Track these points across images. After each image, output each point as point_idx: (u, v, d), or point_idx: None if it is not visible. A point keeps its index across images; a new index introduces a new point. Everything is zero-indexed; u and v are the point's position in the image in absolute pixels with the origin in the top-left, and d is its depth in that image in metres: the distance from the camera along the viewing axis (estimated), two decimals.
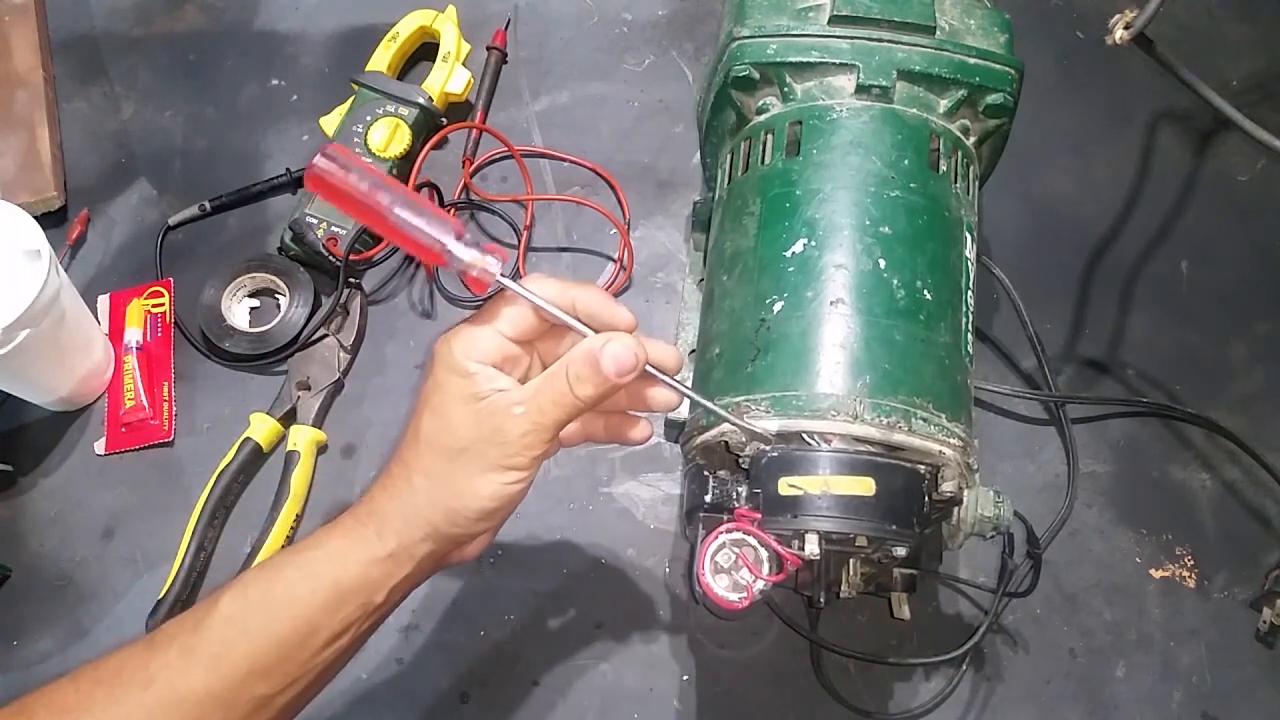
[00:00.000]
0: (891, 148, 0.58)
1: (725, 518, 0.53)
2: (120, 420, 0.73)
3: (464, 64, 0.83)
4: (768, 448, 0.53)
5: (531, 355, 0.50)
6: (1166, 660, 0.68)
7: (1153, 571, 0.71)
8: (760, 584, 0.51)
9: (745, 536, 0.51)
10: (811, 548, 0.51)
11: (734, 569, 0.51)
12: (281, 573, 0.47)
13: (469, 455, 0.46)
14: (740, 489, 0.53)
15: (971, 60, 0.60)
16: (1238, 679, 0.68)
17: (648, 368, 0.47)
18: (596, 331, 0.47)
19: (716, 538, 0.52)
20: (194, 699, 0.45)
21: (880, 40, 0.60)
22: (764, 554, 0.51)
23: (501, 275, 0.46)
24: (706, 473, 0.55)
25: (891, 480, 0.51)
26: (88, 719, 0.45)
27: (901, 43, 0.60)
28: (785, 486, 0.51)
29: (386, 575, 0.48)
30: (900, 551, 0.52)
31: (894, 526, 0.51)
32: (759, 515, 0.52)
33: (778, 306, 0.55)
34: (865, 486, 0.50)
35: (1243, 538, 0.72)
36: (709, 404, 0.51)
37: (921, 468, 0.52)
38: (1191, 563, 0.71)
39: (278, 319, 0.75)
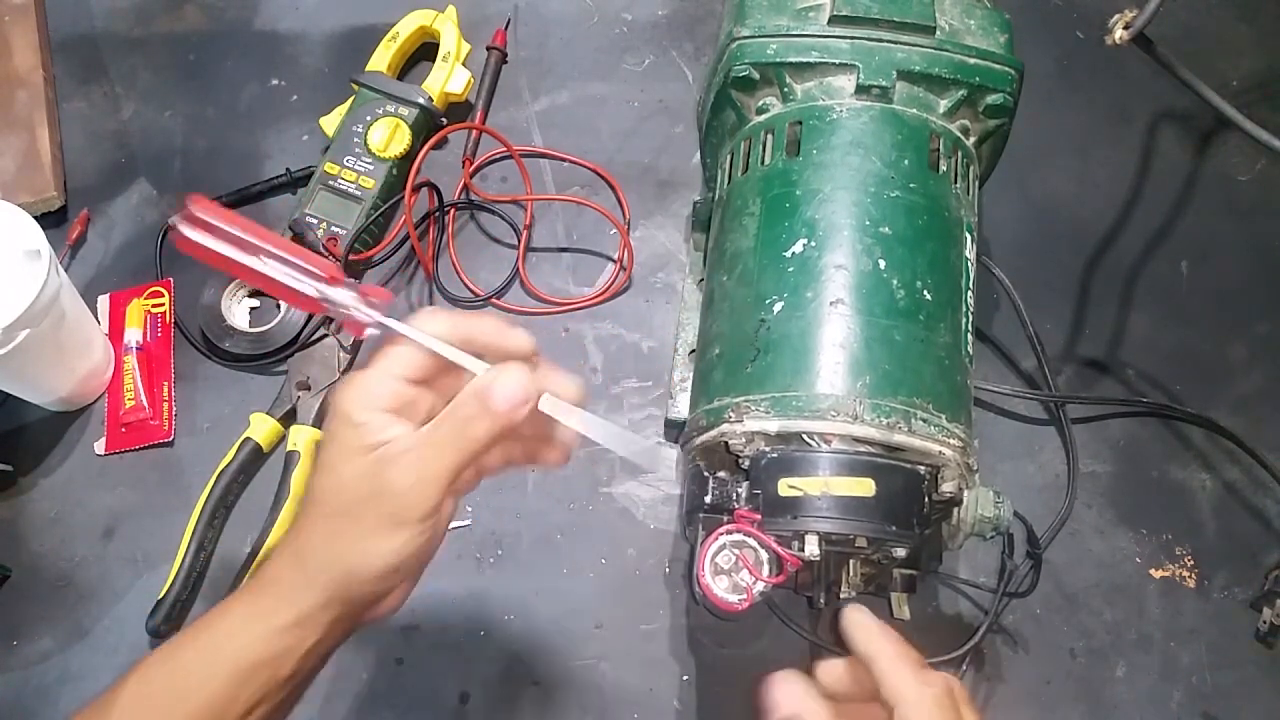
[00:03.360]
0: (891, 148, 0.58)
1: (725, 519, 0.53)
2: (120, 420, 0.73)
3: (464, 64, 0.83)
4: (768, 448, 0.53)
5: (433, 396, 0.46)
6: (1166, 660, 0.68)
7: (1153, 571, 0.71)
8: (760, 585, 0.51)
9: (745, 538, 0.51)
10: (811, 549, 0.51)
11: (734, 570, 0.51)
12: (181, 655, 0.45)
13: (359, 513, 0.43)
14: (740, 490, 0.54)
15: (971, 60, 0.60)
16: (1238, 679, 0.68)
17: (546, 401, 0.45)
18: (492, 364, 0.45)
19: (716, 539, 0.52)
20: None
21: (880, 40, 0.60)
22: (764, 555, 0.51)
23: (380, 316, 0.44)
24: (706, 473, 0.55)
25: (891, 481, 0.51)
26: None
27: (901, 43, 0.60)
28: (785, 487, 0.51)
29: (290, 646, 0.44)
30: (900, 552, 0.52)
31: (894, 527, 0.51)
32: (759, 516, 0.52)
33: (778, 307, 0.55)
34: (865, 487, 0.50)
35: (1243, 538, 0.72)
36: (607, 435, 0.48)
37: (921, 468, 0.52)
38: (1191, 563, 0.71)
39: (278, 319, 0.75)
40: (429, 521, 0.44)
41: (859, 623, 0.48)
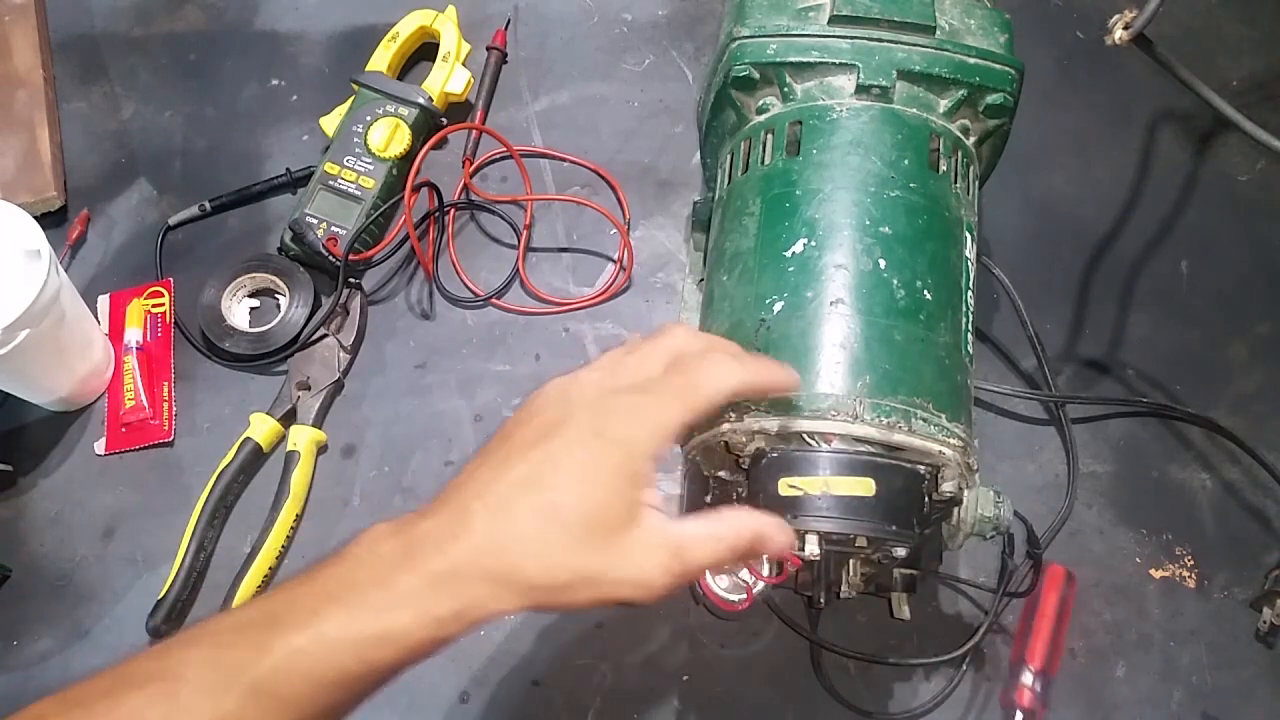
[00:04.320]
0: (891, 148, 0.58)
1: None
2: (120, 420, 0.73)
3: (464, 64, 0.83)
4: (767, 448, 0.52)
5: None
6: (1166, 660, 0.68)
7: (1153, 571, 0.71)
8: (760, 585, 0.51)
9: None
10: (811, 548, 0.51)
11: (734, 570, 0.51)
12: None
13: (608, 540, 0.41)
14: (740, 489, 0.53)
15: (971, 60, 0.60)
16: (1238, 679, 0.68)
17: None
18: None
19: None
20: None
21: (880, 40, 0.60)
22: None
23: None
24: (706, 473, 0.55)
25: (891, 480, 0.51)
26: None
27: (901, 43, 0.60)
28: (785, 487, 0.51)
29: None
30: (900, 552, 0.52)
31: (894, 527, 0.51)
32: None
33: (778, 307, 0.55)
34: (865, 487, 0.50)
35: (1243, 538, 0.72)
36: None
37: (921, 468, 0.52)
38: (1191, 563, 0.71)
39: (278, 319, 0.75)
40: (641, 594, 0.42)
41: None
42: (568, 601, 0.41)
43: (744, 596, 0.51)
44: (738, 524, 0.44)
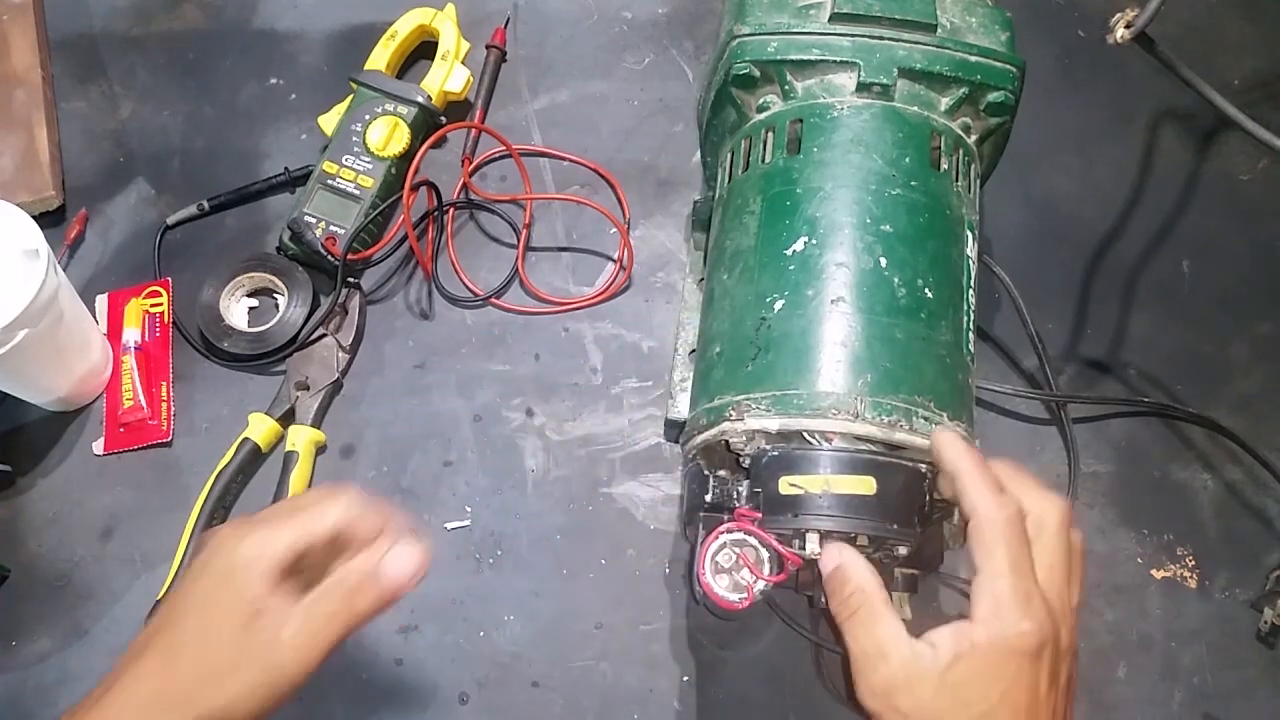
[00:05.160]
0: (892, 146, 0.58)
1: (725, 517, 0.53)
2: (119, 420, 0.72)
3: (463, 62, 0.83)
4: (768, 446, 0.52)
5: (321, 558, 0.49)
6: (1167, 660, 0.68)
7: (1154, 572, 0.70)
8: (761, 584, 0.51)
9: (746, 536, 0.51)
10: (812, 547, 0.51)
11: (734, 569, 0.51)
12: None
13: (236, 671, 0.45)
14: (740, 488, 0.53)
15: (973, 58, 0.60)
16: (1239, 679, 0.68)
17: None
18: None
19: (717, 538, 0.51)
20: None
21: (881, 38, 0.60)
22: (765, 554, 0.51)
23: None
24: (706, 472, 0.55)
25: (892, 479, 0.51)
26: None
27: (902, 40, 0.60)
28: (786, 485, 0.51)
29: None
30: (901, 550, 0.52)
31: (895, 526, 0.51)
32: (759, 515, 0.52)
33: (778, 305, 0.54)
34: (866, 485, 0.50)
35: (1244, 538, 0.72)
36: None
37: (923, 466, 0.52)
38: (1193, 563, 0.71)
39: (276, 319, 0.75)
40: (302, 681, 0.46)
41: (945, 439, 0.49)
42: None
43: (744, 595, 0.51)
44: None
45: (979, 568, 0.46)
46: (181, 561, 0.67)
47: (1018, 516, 0.47)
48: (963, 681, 0.44)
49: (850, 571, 0.48)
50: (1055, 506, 0.48)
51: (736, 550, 0.51)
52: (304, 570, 0.48)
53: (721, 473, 0.55)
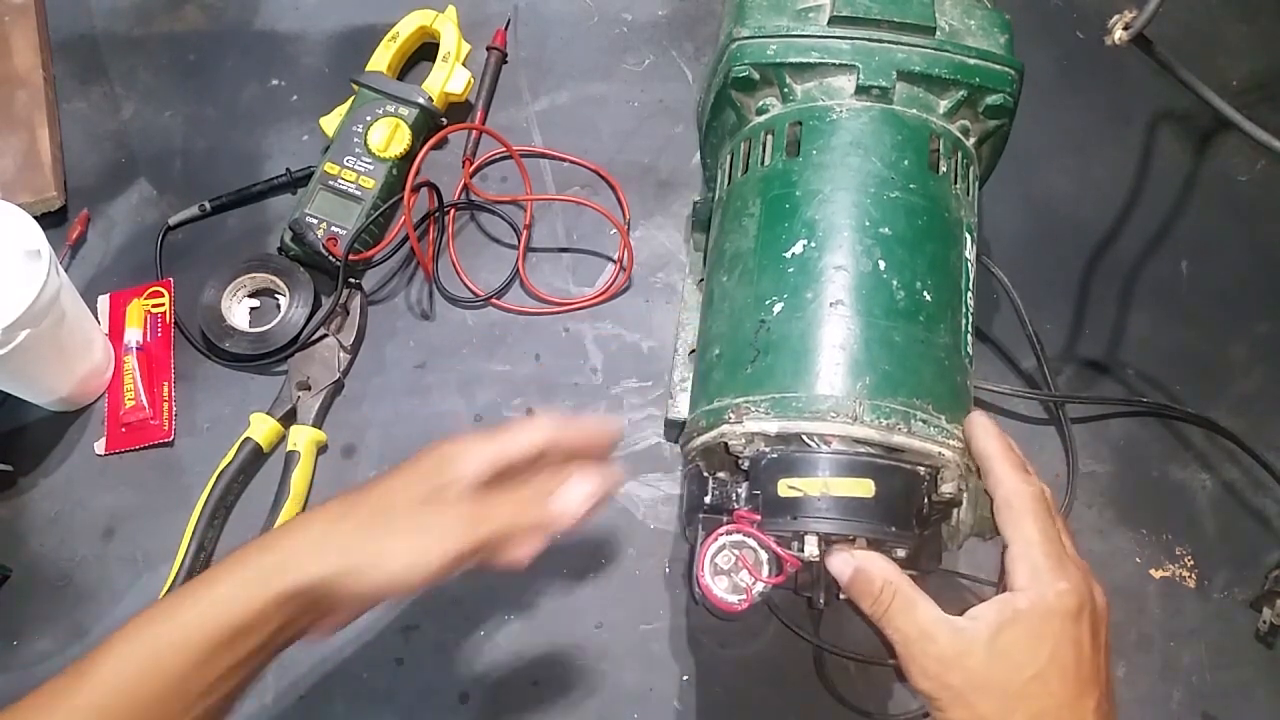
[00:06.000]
0: (891, 148, 0.58)
1: (725, 519, 0.53)
2: (120, 420, 0.73)
3: (464, 64, 0.83)
4: (767, 449, 0.52)
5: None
6: (1166, 660, 0.68)
7: (1153, 571, 0.71)
8: (760, 586, 0.51)
9: (745, 538, 0.51)
10: (811, 549, 0.51)
11: (734, 571, 0.51)
12: (159, 624, 0.47)
13: (403, 521, 0.50)
14: (739, 490, 0.53)
15: (971, 61, 0.60)
16: (1237, 679, 0.68)
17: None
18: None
19: (716, 539, 0.52)
20: None
21: (880, 41, 0.60)
22: (764, 556, 0.51)
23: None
24: (706, 474, 0.55)
25: (891, 482, 0.51)
26: None
27: (901, 43, 0.60)
28: (784, 488, 0.51)
29: (258, 626, 0.47)
30: (900, 553, 0.52)
31: (893, 528, 0.51)
32: (758, 517, 0.52)
33: (777, 308, 0.55)
34: (865, 488, 0.50)
35: (1243, 537, 0.72)
36: None
37: (921, 469, 0.52)
38: (1191, 563, 0.71)
39: (278, 319, 0.75)
40: (428, 580, 0.49)
41: (978, 423, 0.52)
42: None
43: (743, 597, 0.51)
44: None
45: (1010, 540, 0.48)
46: (182, 562, 0.67)
47: (1041, 493, 0.49)
48: (1010, 648, 0.46)
49: (872, 570, 0.49)
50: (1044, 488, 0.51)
51: (735, 552, 0.52)
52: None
53: (721, 474, 0.56)
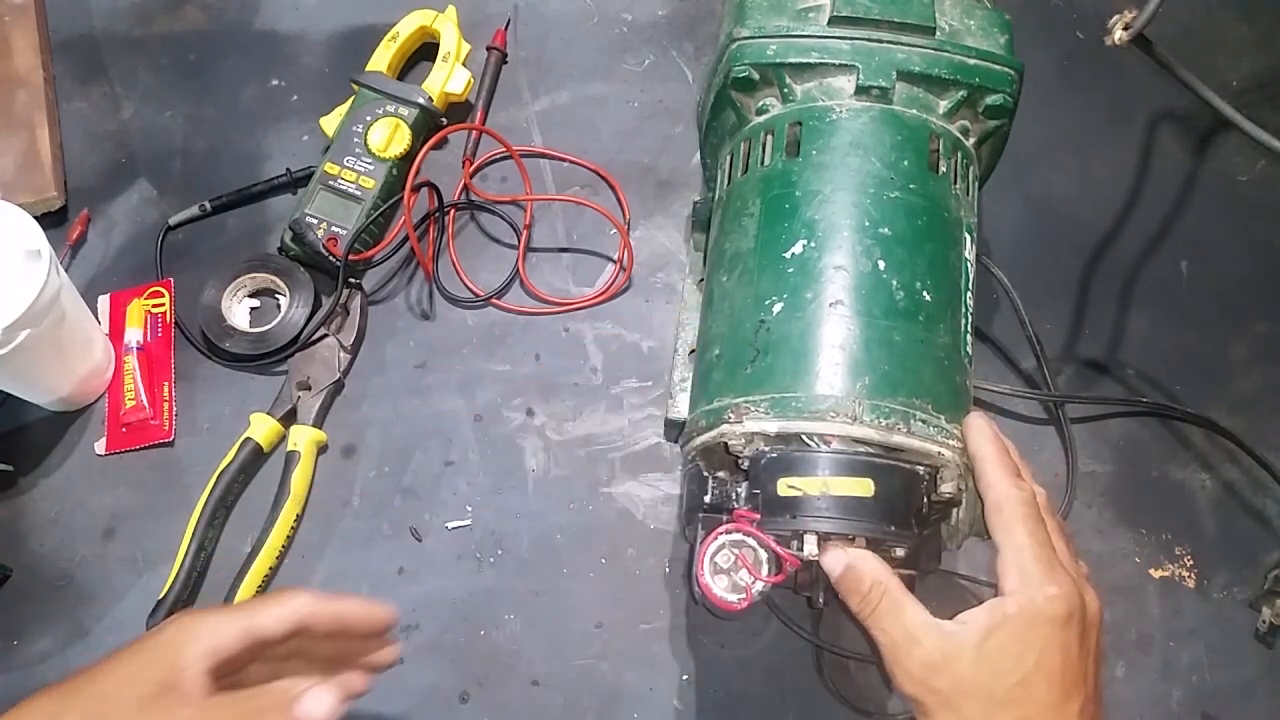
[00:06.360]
0: (891, 149, 0.58)
1: (724, 518, 0.53)
2: (120, 420, 0.73)
3: (464, 64, 0.83)
4: (767, 449, 0.53)
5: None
6: (1166, 660, 0.68)
7: (1152, 571, 0.71)
8: (759, 585, 0.51)
9: (744, 537, 0.52)
10: (810, 548, 0.51)
11: (733, 570, 0.51)
12: None
13: None
14: (739, 490, 0.54)
15: (971, 61, 0.60)
16: (1237, 679, 0.68)
17: None
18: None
19: (715, 539, 0.52)
20: None
21: (880, 41, 0.60)
22: (763, 555, 0.51)
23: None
24: (705, 474, 0.55)
25: (890, 481, 0.51)
26: None
27: (901, 43, 0.60)
28: (784, 487, 0.51)
29: None
30: (899, 552, 0.52)
31: (893, 528, 0.51)
32: (758, 516, 0.52)
33: (777, 308, 0.55)
34: (864, 488, 0.50)
35: (1242, 537, 0.72)
36: None
37: (920, 469, 0.52)
38: (1191, 562, 0.71)
39: (278, 319, 0.75)
40: None
41: (974, 425, 0.52)
42: None
43: (743, 596, 0.51)
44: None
45: (1000, 545, 0.48)
46: (182, 562, 0.67)
47: (1033, 498, 0.49)
48: (997, 652, 0.46)
49: (863, 568, 0.49)
50: (1037, 491, 0.51)
51: (735, 551, 0.52)
52: (248, 683, 0.48)
53: (720, 474, 0.56)
